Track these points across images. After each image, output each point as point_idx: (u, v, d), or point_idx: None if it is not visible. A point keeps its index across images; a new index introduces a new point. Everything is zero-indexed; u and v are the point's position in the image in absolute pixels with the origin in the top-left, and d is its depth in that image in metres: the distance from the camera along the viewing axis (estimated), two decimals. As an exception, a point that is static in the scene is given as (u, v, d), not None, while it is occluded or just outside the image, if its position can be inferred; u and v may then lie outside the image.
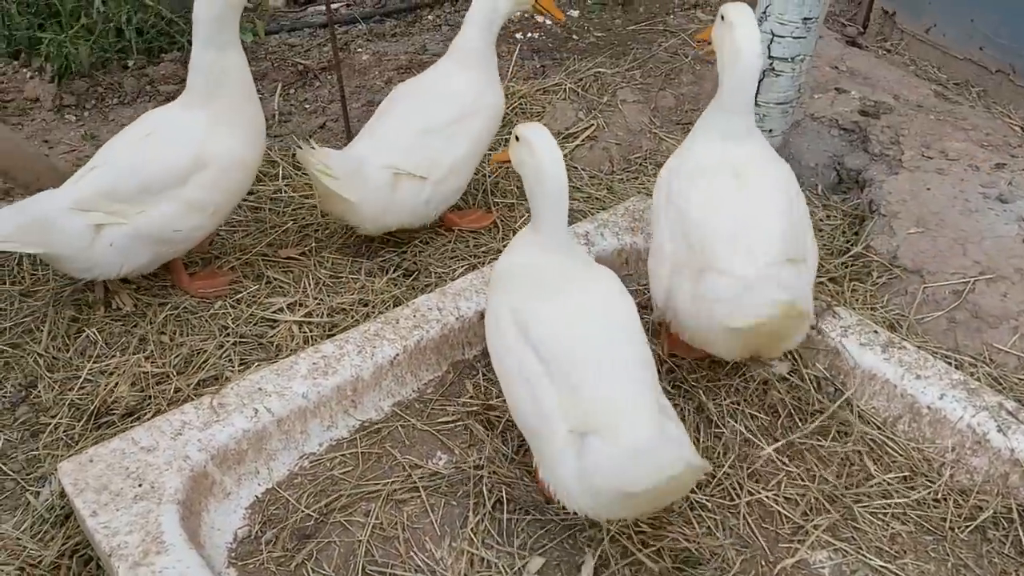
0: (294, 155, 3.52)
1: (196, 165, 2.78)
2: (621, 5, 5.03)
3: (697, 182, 2.56)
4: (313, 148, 2.86)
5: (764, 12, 3.18)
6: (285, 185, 3.62)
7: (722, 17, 2.54)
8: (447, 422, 2.67)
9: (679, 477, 1.89)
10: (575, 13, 5.00)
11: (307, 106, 4.27)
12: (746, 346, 2.48)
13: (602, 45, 4.61)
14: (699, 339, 2.55)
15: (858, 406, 2.72)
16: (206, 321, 2.97)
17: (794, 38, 3.18)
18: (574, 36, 4.75)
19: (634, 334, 2.26)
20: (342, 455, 2.57)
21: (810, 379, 2.77)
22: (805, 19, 3.14)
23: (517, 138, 2.36)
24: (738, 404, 2.72)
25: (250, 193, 3.57)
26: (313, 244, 3.33)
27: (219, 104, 2.79)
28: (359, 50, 4.65)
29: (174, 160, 2.76)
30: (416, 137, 2.98)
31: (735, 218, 2.45)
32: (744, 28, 2.45)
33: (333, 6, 5.06)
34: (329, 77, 4.39)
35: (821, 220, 3.52)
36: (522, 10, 3.13)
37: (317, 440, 2.59)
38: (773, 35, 3.19)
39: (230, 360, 2.81)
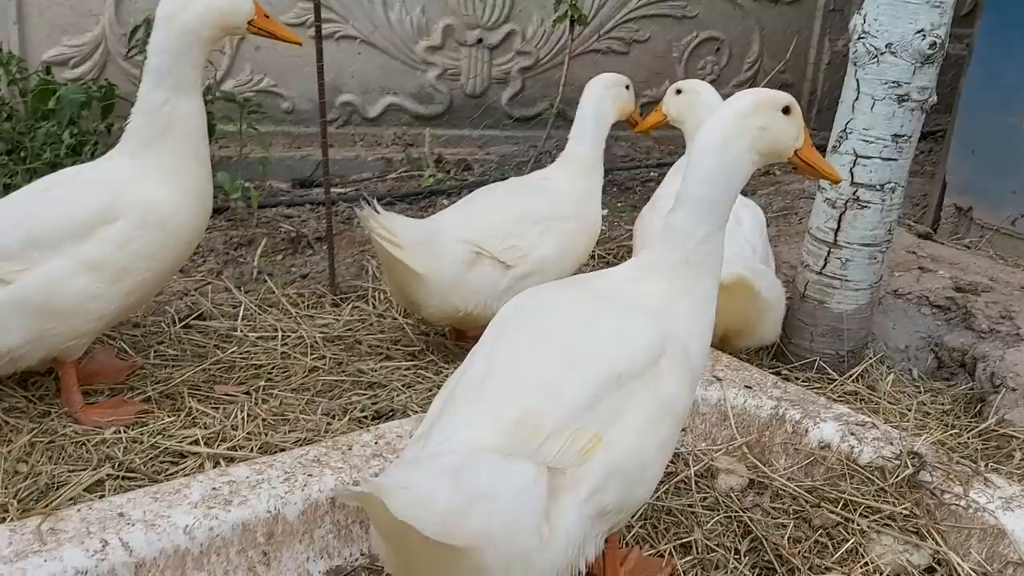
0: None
1: (104, 216, 2.11)
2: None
3: None
4: (377, 211, 2.51)
5: (844, 129, 2.61)
6: (244, 324, 2.90)
7: (677, 91, 2.92)
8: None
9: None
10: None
11: (293, 269, 3.66)
12: None
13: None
14: None
15: (1045, 618, 1.76)
16: (86, 449, 2.12)
17: (883, 159, 2.58)
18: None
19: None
20: (233, 637, 1.62)
21: (963, 573, 1.84)
22: (896, 136, 2.56)
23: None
24: (859, 604, 1.78)
25: (197, 330, 2.85)
26: (262, 383, 2.54)
27: (156, 154, 2.18)
28: (361, 225, 4.13)
29: (75, 208, 2.10)
30: (511, 223, 2.74)
31: None
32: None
33: (343, 190, 4.64)
34: (323, 247, 3.82)
35: (925, 404, 2.73)
36: (623, 118, 3.03)
37: (198, 609, 1.65)
38: (857, 156, 2.60)
39: (102, 499, 1.92)
